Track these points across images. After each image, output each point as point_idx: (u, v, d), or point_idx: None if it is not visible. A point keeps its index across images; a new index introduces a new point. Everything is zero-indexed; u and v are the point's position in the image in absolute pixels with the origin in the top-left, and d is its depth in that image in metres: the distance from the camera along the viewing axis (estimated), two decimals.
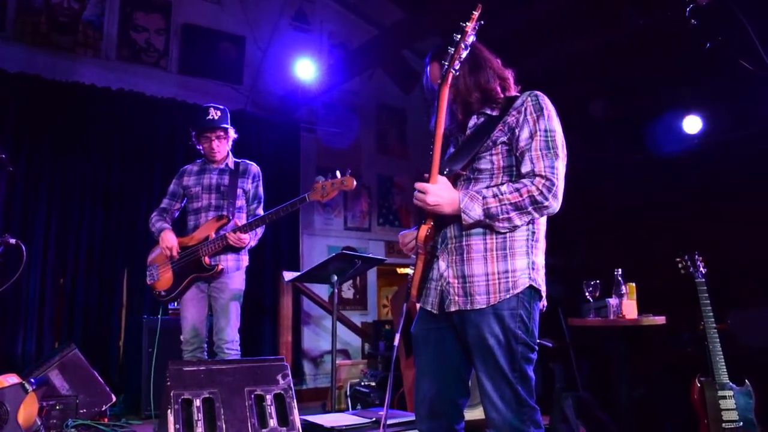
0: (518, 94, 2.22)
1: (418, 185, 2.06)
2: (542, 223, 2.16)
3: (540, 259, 2.15)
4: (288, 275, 4.73)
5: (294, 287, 6.20)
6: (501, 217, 2.02)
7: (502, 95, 2.21)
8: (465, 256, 2.10)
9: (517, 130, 2.09)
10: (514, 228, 2.07)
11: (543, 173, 2.01)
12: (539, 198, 2.00)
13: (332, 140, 7.53)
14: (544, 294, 2.13)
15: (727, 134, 6.01)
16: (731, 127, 5.97)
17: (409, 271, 2.23)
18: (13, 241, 3.54)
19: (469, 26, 2.01)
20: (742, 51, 2.34)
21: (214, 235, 3.86)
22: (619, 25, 5.46)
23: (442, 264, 2.16)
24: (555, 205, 2.04)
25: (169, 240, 3.89)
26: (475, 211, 2.02)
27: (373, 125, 7.96)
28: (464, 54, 2.05)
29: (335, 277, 4.04)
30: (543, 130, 2.07)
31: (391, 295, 7.42)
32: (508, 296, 2.03)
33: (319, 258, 5.84)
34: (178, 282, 3.90)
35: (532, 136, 2.06)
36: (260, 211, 4.12)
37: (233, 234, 3.77)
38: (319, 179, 3.68)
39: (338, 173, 3.65)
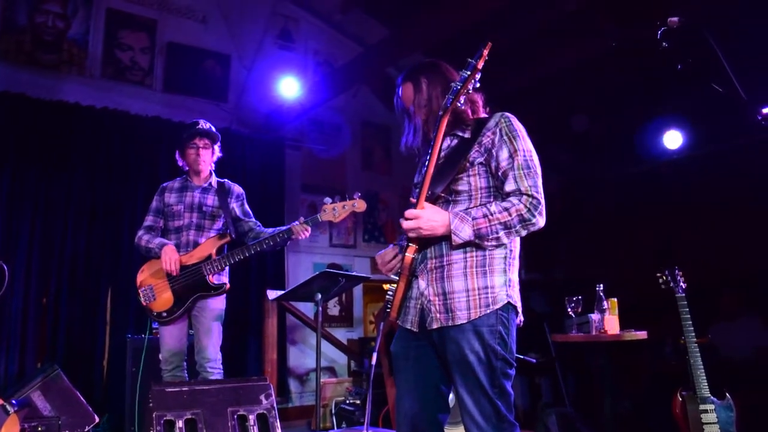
0: (486, 116, 2.28)
1: (408, 213, 2.09)
2: (517, 241, 2.21)
3: (515, 276, 2.20)
4: (272, 294, 4.72)
5: (279, 305, 6.18)
6: (491, 237, 2.07)
7: (471, 117, 2.27)
8: (445, 273, 2.14)
9: (494, 151, 2.15)
10: (501, 246, 2.12)
11: (529, 192, 2.08)
12: (527, 216, 2.06)
13: (317, 157, 7.55)
14: (520, 310, 2.18)
15: (706, 148, 6.10)
16: (711, 141, 6.05)
17: (387, 287, 2.25)
18: None
19: (480, 63, 2.04)
20: (713, 73, 2.40)
21: (215, 253, 3.84)
22: (601, 42, 5.54)
23: (422, 283, 2.19)
24: (541, 222, 2.10)
25: (174, 254, 3.79)
26: (465, 232, 2.06)
27: (358, 142, 7.98)
28: (471, 88, 2.10)
29: (319, 296, 4.03)
30: (522, 150, 2.13)
31: (377, 311, 7.42)
32: (488, 311, 2.08)
33: (305, 275, 5.84)
34: (181, 302, 3.81)
35: (511, 156, 2.12)
36: (259, 224, 4.14)
37: (300, 225, 3.77)
38: (328, 200, 3.67)
39: (347, 195, 3.69)
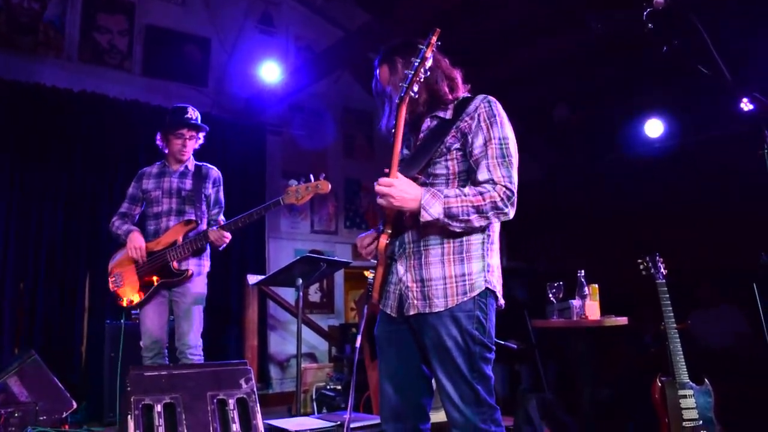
0: (468, 95, 2.24)
1: (382, 180, 2.02)
2: (497, 227, 2.19)
3: (495, 260, 2.17)
4: (252, 278, 4.68)
5: (260, 291, 6.15)
6: (461, 217, 2.01)
7: (450, 95, 2.22)
8: (423, 260, 2.12)
9: (470, 137, 2.11)
10: (470, 230, 2.08)
11: (502, 182, 2.04)
12: (500, 205, 2.02)
13: (299, 143, 7.50)
14: (500, 294, 2.16)
15: (687, 138, 6.14)
16: (692, 131, 6.09)
17: (368, 274, 2.23)
18: None
19: (428, 52, 2.00)
20: (699, 55, 2.38)
21: (181, 240, 3.79)
22: (582, 31, 5.54)
23: (400, 268, 2.17)
24: (512, 213, 2.07)
25: (138, 240, 3.78)
26: (435, 209, 2.00)
27: (339, 128, 7.95)
28: (422, 76, 2.05)
29: (300, 281, 4.01)
30: (497, 138, 2.08)
31: (358, 297, 7.41)
32: (465, 299, 2.06)
33: (286, 261, 5.79)
34: (146, 287, 3.80)
35: (486, 144, 2.08)
36: (221, 217, 4.04)
37: (216, 231, 3.70)
38: (292, 183, 3.62)
39: (312, 177, 3.61)
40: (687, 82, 5.51)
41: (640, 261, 3.81)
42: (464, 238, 2.10)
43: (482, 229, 2.12)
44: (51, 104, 5.72)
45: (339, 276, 7.65)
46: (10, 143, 5.47)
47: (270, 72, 6.20)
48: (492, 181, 2.04)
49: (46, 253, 5.56)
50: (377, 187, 2.03)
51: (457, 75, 2.27)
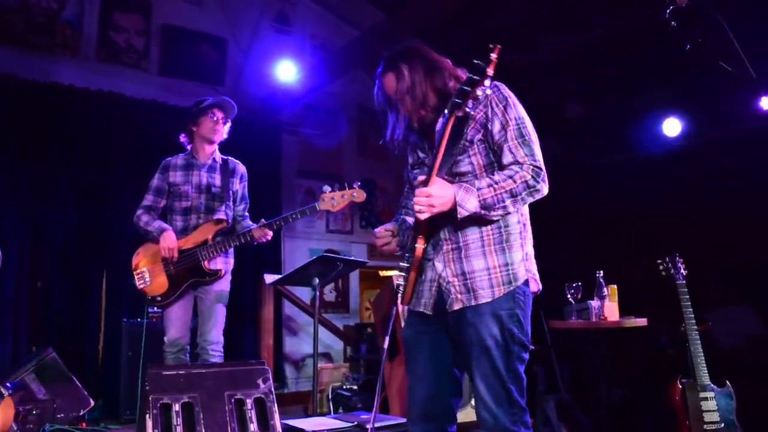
0: None
1: (419, 192, 2.01)
2: (527, 213, 2.20)
3: (530, 248, 2.19)
4: (269, 278, 4.69)
5: (275, 290, 6.15)
6: (497, 206, 2.02)
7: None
8: (463, 254, 2.12)
9: (488, 125, 2.11)
10: (507, 215, 2.09)
11: (527, 161, 2.05)
12: (532, 183, 2.03)
13: (314, 142, 7.49)
14: (537, 278, 2.17)
15: (704, 137, 6.08)
16: (708, 129, 6.03)
17: (390, 273, 2.23)
18: None
19: (490, 71, 1.90)
20: (721, 52, 2.36)
21: (212, 239, 3.77)
22: (596, 26, 5.51)
23: (438, 265, 2.16)
24: (545, 189, 2.07)
25: (172, 240, 3.72)
26: (471, 203, 2.00)
27: (354, 127, 7.93)
28: (480, 95, 1.99)
29: (317, 280, 4.01)
30: (513, 119, 2.09)
31: (373, 297, 7.40)
32: (510, 288, 2.06)
33: (301, 261, 5.80)
34: (175, 287, 3.76)
35: (504, 128, 2.09)
36: (247, 213, 4.06)
37: (260, 229, 3.69)
38: (327, 189, 3.57)
39: (346, 184, 3.59)
40: (699, 80, 5.46)
41: (659, 262, 3.77)
42: (502, 228, 2.11)
43: (517, 218, 2.13)
44: (68, 103, 5.74)
45: (354, 276, 7.65)
46: (27, 141, 5.49)
47: (286, 71, 6.20)
48: (517, 162, 2.05)
49: (62, 251, 5.58)
50: (417, 206, 2.00)
51: (463, 74, 2.23)
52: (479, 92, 1.94)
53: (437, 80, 2.19)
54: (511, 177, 2.02)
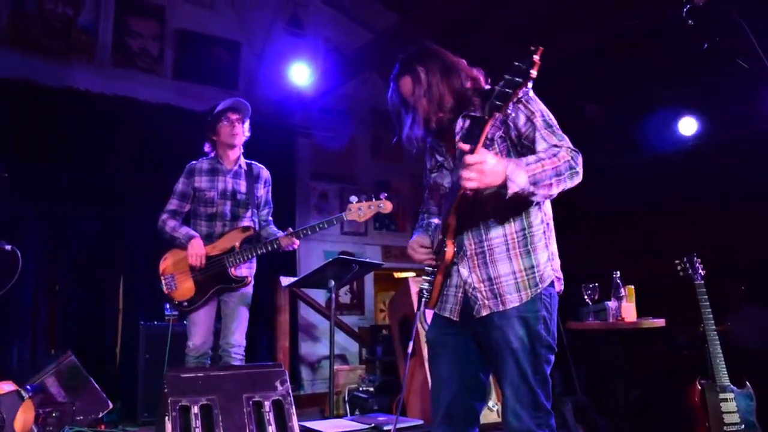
0: (489, 86, 2.18)
1: (471, 158, 1.84)
2: (550, 212, 2.18)
3: (554, 247, 2.16)
4: (285, 281, 4.70)
5: (291, 293, 6.16)
6: (545, 182, 1.92)
7: (476, 94, 2.18)
8: (488, 258, 2.10)
9: (509, 121, 2.08)
10: (549, 197, 2.03)
11: (563, 144, 2.01)
12: (573, 163, 1.98)
13: (327, 144, 7.51)
14: (561, 278, 2.15)
15: (721, 135, 6.03)
16: (725, 128, 5.99)
17: (405, 275, 2.22)
18: (8, 247, 3.52)
19: (534, 72, 1.78)
20: (739, 50, 2.34)
21: (239, 246, 3.78)
22: (612, 25, 5.48)
23: (463, 270, 2.14)
24: (581, 174, 2.02)
25: (201, 248, 3.72)
26: (521, 177, 1.88)
27: (368, 129, 7.94)
28: (521, 95, 1.97)
29: (332, 282, 4.02)
30: (537, 111, 2.07)
31: (388, 299, 7.41)
32: (537, 291, 2.04)
33: (316, 263, 5.81)
34: (202, 292, 3.77)
35: (530, 119, 2.06)
36: (271, 218, 4.07)
37: (288, 238, 3.69)
38: (354, 199, 3.61)
39: (373, 195, 3.62)
40: (715, 79, 5.42)
41: (677, 262, 3.75)
42: (526, 230, 2.09)
43: (540, 218, 2.11)
44: (84, 108, 5.79)
45: (369, 278, 7.65)
46: (43, 146, 5.54)
47: (299, 74, 6.22)
48: (554, 146, 2.00)
49: (79, 255, 5.63)
50: (467, 174, 1.85)
51: (479, 74, 2.24)
52: (521, 94, 1.92)
53: (454, 81, 2.17)
54: (555, 155, 1.95)
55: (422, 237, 2.31)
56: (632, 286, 3.97)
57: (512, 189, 1.89)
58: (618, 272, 3.97)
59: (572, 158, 1.98)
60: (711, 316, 3.56)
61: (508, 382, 2.03)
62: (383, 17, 7.37)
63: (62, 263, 5.54)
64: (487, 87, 2.19)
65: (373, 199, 3.59)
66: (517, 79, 1.78)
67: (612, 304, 3.89)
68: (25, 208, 5.40)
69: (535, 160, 1.95)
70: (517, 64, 1.79)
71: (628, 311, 3.87)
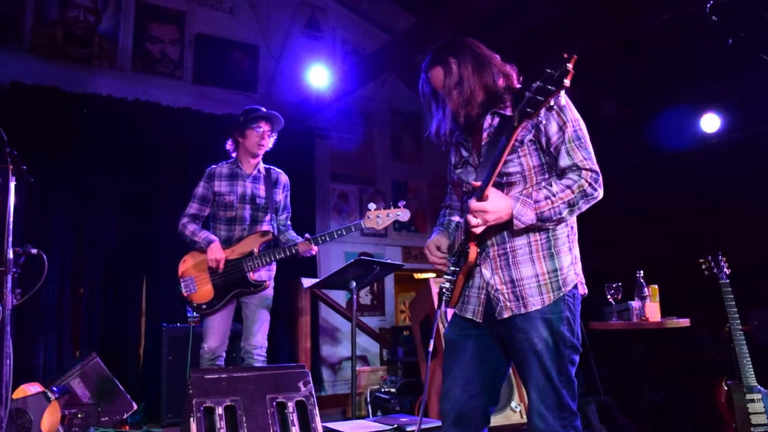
0: (520, 86, 2.17)
1: (475, 207, 1.97)
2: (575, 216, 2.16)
3: (577, 250, 2.15)
4: (307, 282, 4.72)
5: (312, 294, 6.18)
6: (554, 218, 2.00)
7: (507, 92, 2.15)
8: (510, 260, 2.08)
9: (542, 126, 2.05)
10: (562, 223, 2.07)
11: (586, 165, 2.01)
12: (589, 191, 2.00)
13: (346, 146, 7.53)
14: (584, 282, 2.14)
15: (744, 131, 5.96)
16: (748, 124, 5.91)
17: (426, 276, 2.22)
18: (34, 251, 3.55)
19: (567, 81, 1.75)
20: (763, 45, 2.32)
21: (257, 251, 3.82)
22: (631, 23, 5.44)
23: (485, 272, 2.13)
24: (601, 193, 2.04)
25: (220, 252, 3.77)
26: (528, 216, 1.99)
27: (387, 131, 7.95)
28: (552, 103, 1.98)
29: (354, 283, 4.02)
30: (570, 121, 2.04)
31: (409, 300, 7.41)
32: (560, 294, 2.03)
33: (336, 264, 5.83)
34: (221, 296, 3.82)
35: (561, 129, 2.03)
36: (289, 222, 4.11)
37: (306, 244, 3.74)
38: (372, 206, 3.68)
39: (391, 203, 3.70)
40: (739, 75, 5.36)
41: (701, 261, 3.70)
42: (550, 234, 2.08)
43: (565, 222, 2.09)
44: (106, 113, 5.85)
45: (389, 279, 7.65)
46: (66, 152, 5.61)
47: (318, 76, 6.24)
48: (576, 167, 2.01)
49: (103, 258, 5.69)
50: (472, 220, 1.98)
51: (512, 71, 2.20)
52: (552, 102, 1.92)
53: (486, 77, 2.14)
54: (569, 187, 2.00)
55: (440, 237, 2.30)
56: (656, 286, 3.93)
57: (518, 226, 1.99)
58: (641, 272, 3.93)
59: (590, 184, 2.00)
60: (737, 315, 3.52)
61: (533, 383, 2.02)
62: (401, 19, 7.38)
63: (86, 266, 5.60)
64: (518, 86, 2.18)
65: (392, 207, 3.67)
66: (549, 87, 1.75)
67: (636, 303, 3.85)
68: (49, 212, 5.47)
69: (544, 196, 1.99)
70: (549, 71, 1.76)
71: (652, 311, 3.84)
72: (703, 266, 3.67)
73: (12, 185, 3.06)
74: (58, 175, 5.55)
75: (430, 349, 2.20)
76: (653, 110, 6.41)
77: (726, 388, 3.45)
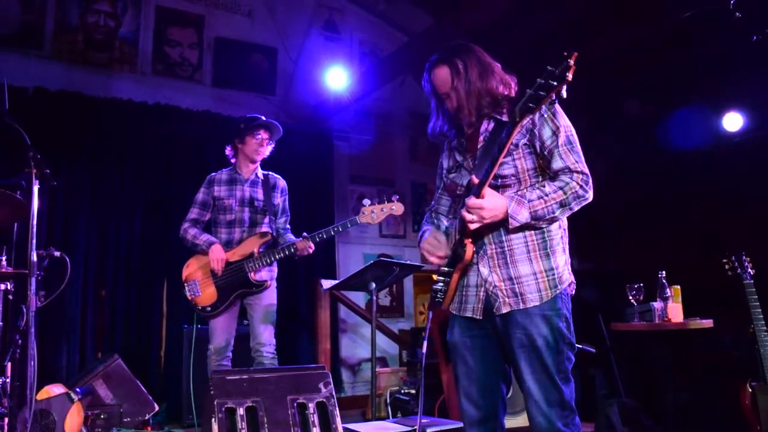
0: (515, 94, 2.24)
1: (471, 204, 2.03)
2: (566, 220, 2.24)
3: (568, 254, 2.22)
4: (326, 283, 4.73)
5: (331, 295, 6.19)
6: (547, 217, 2.07)
7: (506, 99, 2.22)
8: (508, 259, 2.13)
9: (536, 130, 2.12)
10: (556, 224, 2.14)
11: (577, 168, 2.09)
12: (581, 192, 2.07)
13: (365, 148, 7.53)
14: (574, 282, 2.20)
15: (758, 131, 5.88)
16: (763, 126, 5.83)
17: (435, 278, 2.22)
18: (57, 253, 3.60)
19: (569, 76, 1.79)
20: None
21: (257, 252, 3.89)
22: (653, 23, 5.39)
23: (483, 270, 2.17)
24: (591, 195, 2.12)
25: (221, 253, 3.88)
26: (522, 215, 2.05)
27: (405, 132, 7.94)
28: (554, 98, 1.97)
29: (373, 285, 4.02)
30: (563, 126, 2.12)
31: (428, 302, 7.39)
32: (557, 292, 2.08)
33: (355, 266, 5.82)
34: (224, 297, 3.90)
35: (554, 134, 2.11)
36: (288, 226, 4.20)
37: (303, 241, 3.82)
38: (367, 202, 3.77)
39: (385, 198, 3.78)
40: (765, 73, 5.28)
41: (725, 261, 3.66)
42: (546, 234, 2.14)
43: (558, 223, 2.17)
44: (127, 117, 5.91)
45: (408, 280, 7.64)
46: (89, 155, 5.68)
47: (336, 78, 6.26)
48: (568, 169, 2.09)
49: (124, 261, 5.76)
50: (468, 217, 2.04)
51: (512, 80, 2.28)
52: (554, 97, 1.91)
53: (490, 81, 2.20)
54: (561, 188, 2.07)
55: (437, 233, 2.31)
56: (678, 286, 3.89)
57: (513, 224, 2.06)
58: (664, 272, 3.89)
59: (581, 186, 2.07)
60: (761, 316, 3.47)
61: (532, 380, 2.05)
62: (418, 19, 7.36)
63: (108, 269, 5.66)
64: (515, 95, 2.24)
65: (386, 202, 3.76)
66: (551, 82, 1.81)
67: (658, 304, 3.81)
68: (72, 215, 5.54)
69: (537, 196, 2.06)
70: (550, 68, 1.82)
71: (675, 312, 3.79)
72: (727, 266, 3.63)
73: (35, 189, 3.09)
74: (81, 178, 5.63)
75: (424, 350, 2.24)
76: (675, 109, 6.34)
77: (750, 389, 3.41)
